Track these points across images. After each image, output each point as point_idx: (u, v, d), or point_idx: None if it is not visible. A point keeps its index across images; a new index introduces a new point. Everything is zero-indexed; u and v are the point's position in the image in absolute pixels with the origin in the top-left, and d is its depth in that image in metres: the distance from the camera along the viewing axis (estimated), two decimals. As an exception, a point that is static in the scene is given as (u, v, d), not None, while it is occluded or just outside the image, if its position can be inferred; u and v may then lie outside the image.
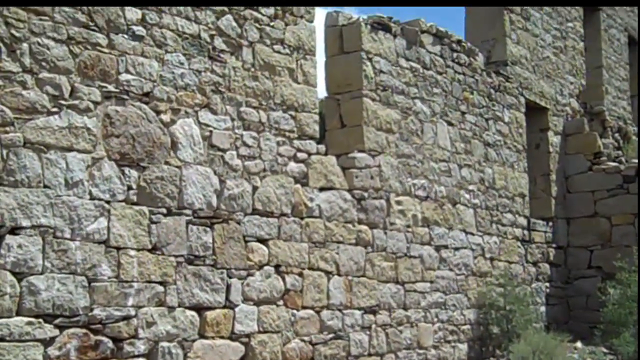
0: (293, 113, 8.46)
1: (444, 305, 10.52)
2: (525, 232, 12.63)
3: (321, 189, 8.76)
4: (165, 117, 7.21)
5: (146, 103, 7.07)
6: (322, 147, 8.86)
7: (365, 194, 9.34)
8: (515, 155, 12.49)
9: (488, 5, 12.68)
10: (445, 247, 10.64)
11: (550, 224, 13.38)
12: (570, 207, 13.75)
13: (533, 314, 11.88)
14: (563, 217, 13.72)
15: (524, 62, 13.06)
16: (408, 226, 9.97)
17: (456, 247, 10.86)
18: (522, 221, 12.58)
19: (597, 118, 14.64)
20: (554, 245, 13.36)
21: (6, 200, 6.00)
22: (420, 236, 10.17)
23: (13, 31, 6.14)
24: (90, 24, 6.69)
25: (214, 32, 7.72)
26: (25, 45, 6.22)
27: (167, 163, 7.18)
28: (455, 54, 11.19)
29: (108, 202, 6.69)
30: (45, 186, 6.26)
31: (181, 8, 7.41)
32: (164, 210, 7.12)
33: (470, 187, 11.29)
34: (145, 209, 6.97)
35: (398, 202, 9.84)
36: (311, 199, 8.60)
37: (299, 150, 8.50)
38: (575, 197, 13.76)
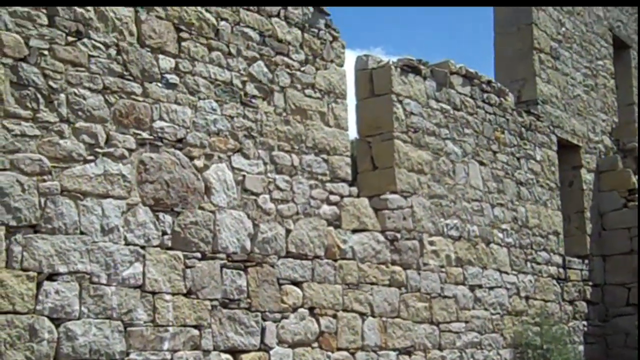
0: (325, 156, 8.55)
1: (480, 345, 10.45)
2: (561, 270, 12.54)
3: (354, 231, 8.81)
4: (199, 163, 7.33)
5: (180, 149, 7.20)
6: (354, 190, 8.93)
7: (398, 235, 9.36)
8: (548, 193, 12.45)
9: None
10: (480, 286, 10.60)
11: (586, 261, 13.27)
12: (606, 244, 13.63)
13: (571, 353, 11.75)
14: (599, 255, 13.60)
15: (555, 100, 13.06)
16: (442, 266, 9.96)
17: (490, 286, 10.81)
18: (557, 259, 12.49)
19: (630, 155, 14.55)
20: (590, 283, 13.23)
21: (44, 248, 6.12)
22: (454, 276, 10.14)
23: (51, 82, 6.32)
24: (125, 73, 6.86)
25: (245, 78, 7.86)
26: (62, 95, 6.39)
27: (201, 208, 7.29)
28: (485, 95, 11.25)
29: (143, 247, 6.79)
30: (81, 233, 6.38)
31: (213, 56, 7.57)
32: (199, 255, 7.21)
33: (504, 226, 11.26)
34: (179, 253, 7.06)
35: (431, 243, 9.85)
36: (344, 241, 8.64)
37: (331, 193, 8.57)
38: (611, 234, 13.65)
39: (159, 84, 7.12)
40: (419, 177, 9.79)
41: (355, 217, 8.86)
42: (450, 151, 10.40)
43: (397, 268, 9.31)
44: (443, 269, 9.98)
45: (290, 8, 8.42)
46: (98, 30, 6.73)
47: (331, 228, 8.52)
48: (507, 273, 11.18)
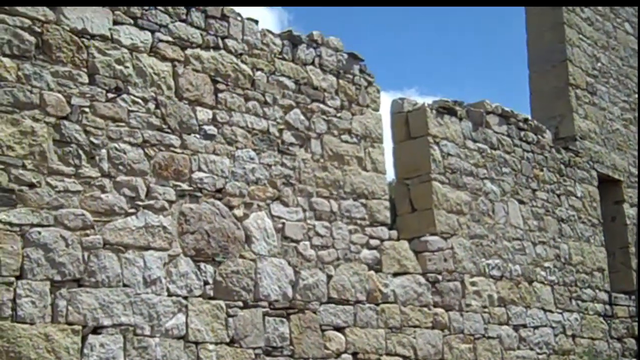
0: (364, 201, 8.58)
1: (527, 387, 10.31)
2: (607, 307, 12.36)
3: (395, 274, 8.80)
4: (239, 212, 7.40)
5: (219, 199, 7.28)
6: (394, 233, 8.93)
7: (440, 277, 9.32)
8: (590, 229, 12.32)
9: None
10: (524, 326, 10.48)
11: (633, 297, 13.06)
12: (653, 279, 13.41)
13: (621, 391, 11.55)
14: (646, 290, 13.39)
15: (594, 135, 12.98)
16: (484, 307, 9.88)
17: (535, 325, 10.68)
18: (603, 296, 12.32)
19: (674, 187, 14.37)
20: (638, 319, 13.01)
21: (88, 301, 6.21)
22: (497, 316, 10.05)
23: (92, 138, 6.47)
24: (164, 126, 6.99)
25: (282, 127, 7.96)
26: (103, 151, 6.53)
27: (241, 257, 7.35)
28: (522, 133, 11.23)
29: (185, 297, 6.86)
30: (124, 285, 6.47)
31: (250, 106, 7.69)
32: (241, 304, 7.26)
33: (546, 264, 11.15)
34: (222, 302, 7.11)
35: (473, 283, 9.78)
36: (386, 285, 8.63)
37: (371, 237, 8.59)
38: (657, 269, 13.43)
39: (197, 136, 7.24)
40: (458, 217, 9.77)
41: (396, 260, 8.85)
42: (489, 190, 10.37)
43: (440, 310, 9.25)
44: (486, 310, 9.90)
45: (324, 55, 8.54)
46: (137, 85, 6.88)
47: (372, 272, 8.52)
48: (551, 311, 11.05)
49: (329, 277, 8.08)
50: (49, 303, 6.03)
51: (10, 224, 5.92)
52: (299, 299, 7.75)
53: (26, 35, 6.25)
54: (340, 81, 8.69)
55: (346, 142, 8.57)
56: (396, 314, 8.67)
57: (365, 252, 8.50)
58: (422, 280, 9.11)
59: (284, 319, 7.59)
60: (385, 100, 9.15)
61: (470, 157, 10.20)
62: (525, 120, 11.38)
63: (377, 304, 8.50)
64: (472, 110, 10.45)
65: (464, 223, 9.84)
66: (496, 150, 10.67)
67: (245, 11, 7.94)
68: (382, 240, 8.72)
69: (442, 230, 9.49)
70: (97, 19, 6.72)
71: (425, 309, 9.06)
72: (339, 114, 8.56)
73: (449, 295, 9.40)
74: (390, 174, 9.82)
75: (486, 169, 10.41)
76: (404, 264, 8.93)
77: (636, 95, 14.54)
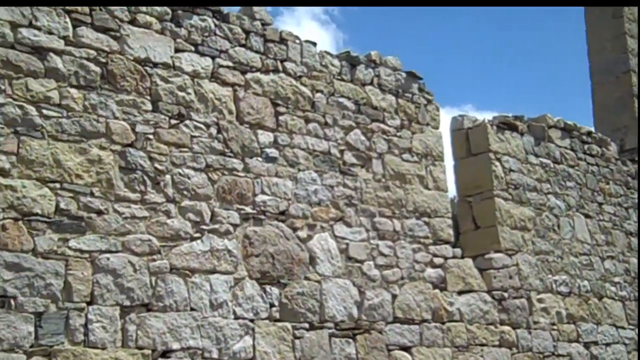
0: (426, 219, 8.55)
1: (599, 405, 10.11)
2: (680, 322, 12.06)
3: (460, 293, 8.73)
4: (302, 234, 7.44)
5: (283, 221, 7.33)
6: (457, 251, 8.87)
7: (506, 294, 9.21)
8: (660, 242, 12.06)
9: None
10: (595, 343, 10.28)
11: None
12: None
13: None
14: None
15: (660, 146, 12.73)
16: (553, 324, 9.73)
17: (607, 342, 10.47)
18: (675, 311, 12.03)
19: None
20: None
21: (157, 325, 6.30)
22: (566, 333, 9.88)
23: (156, 165, 6.58)
24: (226, 150, 7.08)
25: (343, 147, 7.99)
26: (168, 176, 6.63)
27: (306, 278, 7.37)
28: (586, 146, 11.07)
29: (252, 320, 6.90)
30: (192, 309, 6.55)
31: (310, 127, 7.74)
32: (307, 325, 7.27)
33: (616, 279, 10.94)
34: (288, 324, 7.14)
35: (540, 300, 9.65)
36: (451, 303, 8.57)
37: (435, 255, 8.54)
38: None
39: (259, 159, 7.31)
40: (522, 234, 9.66)
41: (461, 278, 8.78)
42: (554, 205, 10.24)
43: (507, 328, 9.13)
44: (554, 327, 9.74)
45: (383, 75, 8.56)
46: (199, 111, 6.99)
47: (437, 291, 8.47)
48: (623, 328, 10.82)
49: (394, 296, 8.05)
50: (119, 328, 6.13)
51: (81, 250, 6.05)
52: (365, 319, 7.74)
53: (92, 66, 6.41)
54: (400, 100, 8.70)
55: (407, 161, 8.56)
56: (462, 333, 8.59)
57: (430, 271, 8.46)
58: (488, 298, 9.01)
59: (350, 340, 7.58)
60: (443, 117, 9.13)
61: (533, 172, 10.09)
62: (589, 133, 11.22)
63: (443, 323, 8.43)
64: (534, 125, 10.35)
65: (528, 239, 9.72)
66: (560, 164, 10.54)
67: (303, 34, 8.03)
68: (446, 259, 8.66)
69: (506, 247, 9.39)
70: (160, 48, 6.85)
71: (492, 327, 8.96)
72: (399, 133, 8.56)
73: (515, 313, 9.28)
74: (452, 192, 9.80)
75: (550, 183, 10.29)
76: (468, 282, 8.85)
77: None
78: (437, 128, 9.01)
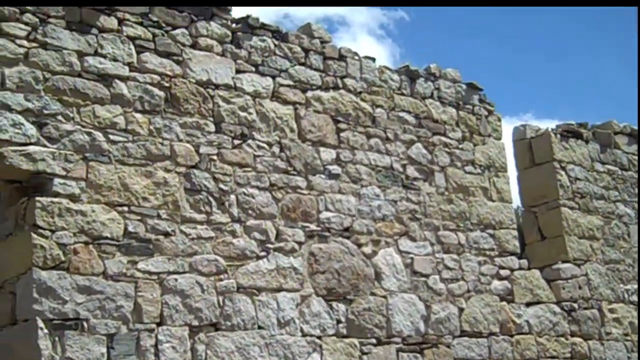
0: (491, 231, 8.48)
1: (676, 417, 9.86)
2: None
3: (528, 304, 8.62)
4: (367, 249, 7.45)
5: (347, 237, 7.35)
6: (524, 262, 8.77)
7: (575, 305, 9.07)
8: None
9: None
10: (669, 353, 10.05)
11: None
12: None
13: None
14: None
15: None
16: (626, 334, 9.53)
17: (681, 352, 10.23)
18: None
19: None
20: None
21: (225, 344, 6.37)
22: (640, 344, 9.69)
23: (221, 185, 6.67)
24: (289, 168, 7.14)
25: (405, 162, 7.98)
26: (232, 196, 6.72)
27: (372, 294, 7.38)
28: (655, 151, 10.86)
29: (319, 337, 6.93)
30: (259, 327, 6.60)
31: (372, 143, 7.75)
32: (374, 341, 7.27)
33: (689, 287, 10.69)
34: (355, 340, 7.14)
35: (612, 310, 9.47)
36: (519, 315, 8.47)
37: (501, 267, 8.46)
38: None
39: (322, 176, 7.35)
40: (591, 243, 9.50)
41: (528, 289, 8.68)
42: (623, 213, 10.06)
43: (578, 339, 8.99)
44: (628, 337, 9.55)
45: (442, 87, 8.54)
46: (261, 130, 7.06)
47: (504, 303, 8.38)
48: (698, 336, 10.56)
49: (461, 310, 8.00)
50: (189, 348, 6.21)
51: (149, 272, 6.16)
52: (432, 334, 7.70)
53: (155, 91, 6.53)
54: (461, 112, 8.67)
55: (470, 173, 8.51)
56: (532, 345, 8.48)
57: (496, 283, 8.38)
58: (557, 309, 8.88)
59: (418, 354, 7.55)
60: (504, 128, 9.06)
61: (600, 179, 9.93)
62: (657, 138, 11.00)
63: (512, 335, 8.34)
64: (599, 132, 10.20)
65: (597, 248, 9.57)
66: (627, 171, 10.35)
67: (359, 50, 8.06)
68: (512, 270, 8.57)
69: (574, 257, 9.26)
70: (221, 69, 6.95)
71: (563, 339, 8.83)
72: (461, 146, 8.52)
73: (586, 324, 9.13)
74: (516, 202, 9.70)
75: (618, 191, 10.11)
76: (536, 294, 8.74)
77: None
78: (499, 139, 8.94)
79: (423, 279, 7.78)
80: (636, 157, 10.55)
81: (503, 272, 8.47)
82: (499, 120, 9.03)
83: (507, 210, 8.71)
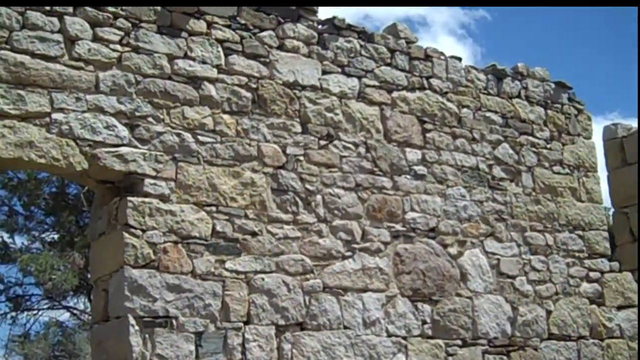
0: (580, 232, 8.32)
1: None
2: None
3: (619, 308, 8.43)
4: (452, 250, 7.41)
5: (433, 238, 7.32)
6: (615, 264, 8.58)
7: (669, 309, 8.84)
8: None
9: None
10: None
11: None
12: None
13: None
14: None
15: None
16: None
17: None
18: None
19: None
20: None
21: (311, 344, 6.42)
22: None
23: (307, 185, 6.72)
24: (375, 169, 7.15)
25: (491, 162, 7.90)
26: (318, 197, 6.76)
27: (458, 295, 7.33)
28: None
29: (404, 337, 6.92)
30: (345, 327, 6.63)
31: (458, 143, 7.70)
32: (459, 342, 7.22)
33: None
34: (440, 342, 7.11)
35: None
36: (610, 319, 8.29)
37: (590, 269, 8.29)
38: None
39: (408, 176, 7.33)
40: (686, 245, 9.25)
41: (619, 293, 8.48)
42: None
43: (671, 344, 8.76)
44: None
45: (530, 87, 8.42)
46: (347, 131, 7.09)
47: (594, 306, 8.22)
48: None
49: (549, 312, 7.87)
50: (275, 347, 6.29)
51: (237, 271, 6.26)
52: (519, 336, 7.61)
53: (243, 92, 6.63)
54: (549, 112, 8.53)
55: (558, 173, 8.37)
56: (624, 350, 8.29)
57: (585, 286, 8.22)
58: (649, 313, 8.67)
59: (504, 357, 7.47)
60: (598, 130, 8.89)
61: (695, 180, 9.64)
62: None
63: (602, 340, 8.17)
64: (693, 131, 9.90)
65: (693, 250, 9.30)
66: None
67: (441, 49, 8.00)
68: (602, 273, 8.39)
69: (667, 260, 9.02)
70: (307, 70, 7.00)
71: (655, 344, 8.61)
72: (549, 145, 8.39)
73: (679, 328, 8.88)
74: (606, 203, 9.49)
75: None
76: (628, 297, 8.54)
77: None
78: (589, 138, 8.76)
79: (509, 280, 7.69)
80: None
81: (593, 275, 8.30)
82: (589, 119, 8.85)
83: (597, 211, 8.54)
